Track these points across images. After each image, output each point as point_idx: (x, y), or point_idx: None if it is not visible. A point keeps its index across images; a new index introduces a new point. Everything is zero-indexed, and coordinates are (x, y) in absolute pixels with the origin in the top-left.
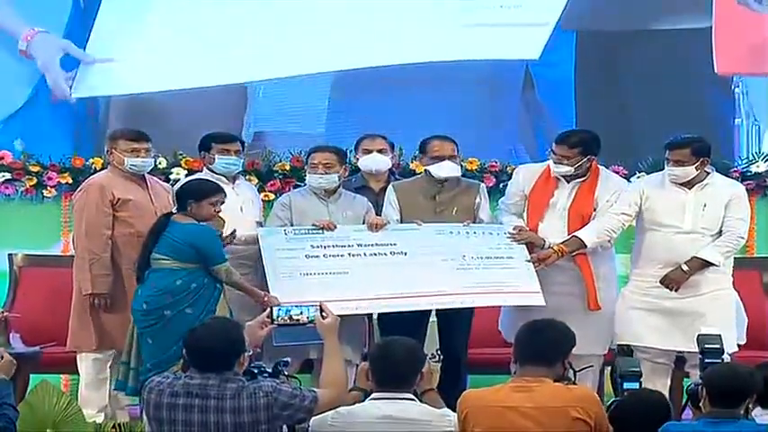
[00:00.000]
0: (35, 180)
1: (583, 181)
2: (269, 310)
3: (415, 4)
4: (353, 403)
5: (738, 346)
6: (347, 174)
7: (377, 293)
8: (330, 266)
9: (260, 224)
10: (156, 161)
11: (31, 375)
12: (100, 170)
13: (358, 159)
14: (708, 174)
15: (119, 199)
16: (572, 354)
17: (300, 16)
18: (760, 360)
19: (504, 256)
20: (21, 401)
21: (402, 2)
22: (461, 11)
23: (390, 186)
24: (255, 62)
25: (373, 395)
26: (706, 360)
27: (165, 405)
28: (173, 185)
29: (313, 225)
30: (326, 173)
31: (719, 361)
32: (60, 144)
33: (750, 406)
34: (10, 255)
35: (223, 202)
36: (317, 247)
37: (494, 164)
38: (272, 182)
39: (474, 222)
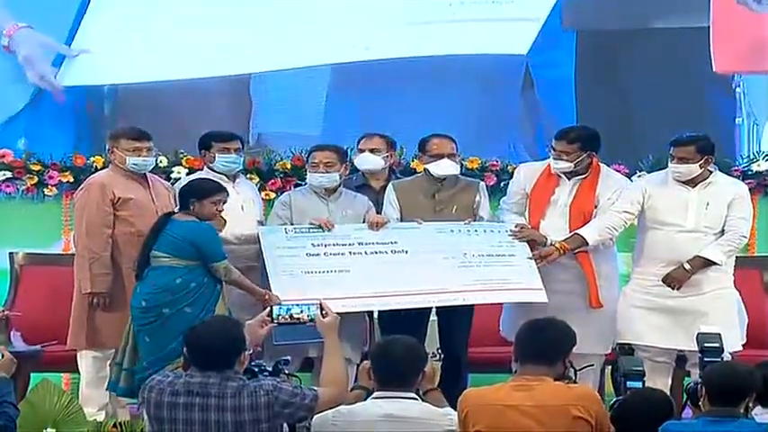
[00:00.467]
0: (36, 179)
1: (584, 178)
2: (269, 308)
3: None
4: (355, 402)
5: (741, 345)
6: (348, 172)
7: (378, 291)
8: (331, 265)
9: (260, 223)
10: (156, 160)
11: (31, 374)
12: (101, 169)
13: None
14: (711, 172)
15: (120, 198)
16: (573, 352)
17: (299, 10)
18: (760, 359)
19: (506, 253)
20: (21, 400)
21: None
22: (453, 5)
23: (390, 185)
24: (253, 54)
25: (375, 394)
26: (705, 359)
27: (166, 404)
28: (173, 184)
29: (310, 223)
30: (327, 172)
31: (719, 360)
32: (61, 143)
33: (750, 405)
34: (11, 253)
35: (225, 202)
36: (318, 245)
37: (495, 163)
38: (272, 181)
39: (474, 221)
